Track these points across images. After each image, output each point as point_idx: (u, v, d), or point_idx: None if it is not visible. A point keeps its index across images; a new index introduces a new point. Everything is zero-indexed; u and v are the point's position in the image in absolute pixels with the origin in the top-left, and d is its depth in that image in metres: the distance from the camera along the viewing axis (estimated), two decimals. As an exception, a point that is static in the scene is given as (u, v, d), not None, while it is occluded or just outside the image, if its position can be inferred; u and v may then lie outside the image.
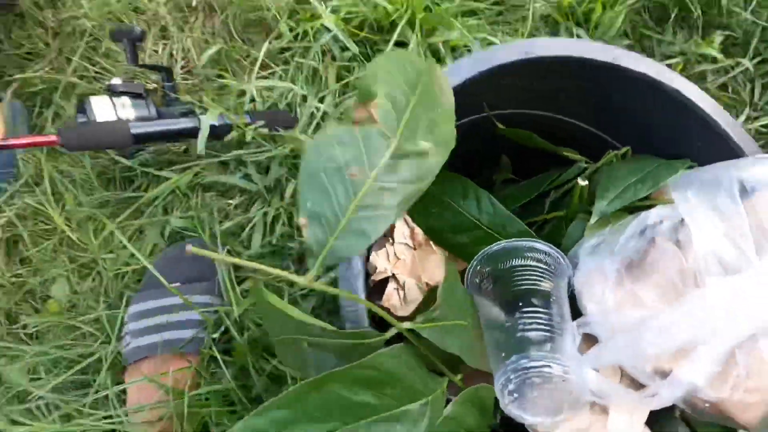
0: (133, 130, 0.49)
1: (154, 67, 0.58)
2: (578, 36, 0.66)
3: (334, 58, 0.64)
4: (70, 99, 0.68)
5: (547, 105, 0.43)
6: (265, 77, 0.63)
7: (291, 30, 0.63)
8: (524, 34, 0.65)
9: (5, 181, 0.68)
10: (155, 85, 0.64)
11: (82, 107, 0.54)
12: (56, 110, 0.67)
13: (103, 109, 0.54)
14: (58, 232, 0.65)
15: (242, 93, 0.62)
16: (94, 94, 0.66)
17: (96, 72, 0.67)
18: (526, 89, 0.39)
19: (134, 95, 0.57)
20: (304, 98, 0.62)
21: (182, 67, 0.65)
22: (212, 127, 0.54)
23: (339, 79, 0.62)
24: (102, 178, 0.63)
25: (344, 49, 0.64)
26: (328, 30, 0.59)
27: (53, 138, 0.46)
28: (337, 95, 0.61)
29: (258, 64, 0.61)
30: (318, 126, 0.59)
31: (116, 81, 0.57)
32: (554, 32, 0.70)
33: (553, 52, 0.33)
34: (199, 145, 0.51)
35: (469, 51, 0.64)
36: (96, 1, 0.64)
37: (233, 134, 0.55)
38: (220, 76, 0.64)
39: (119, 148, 0.53)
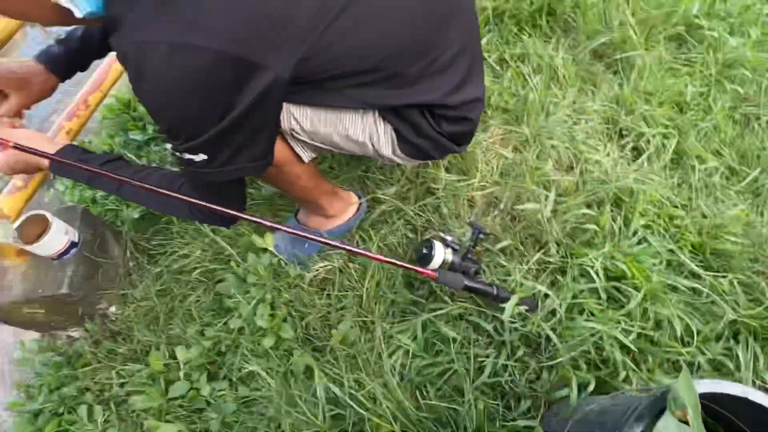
0: (465, 282, 0.84)
1: (474, 241, 0.95)
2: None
3: (574, 279, 0.95)
4: (400, 219, 1.08)
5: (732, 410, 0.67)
6: (528, 270, 0.96)
7: (557, 251, 0.97)
8: (713, 329, 0.90)
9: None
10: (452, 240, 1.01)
11: (429, 245, 0.92)
12: (390, 223, 1.08)
13: (439, 252, 0.91)
14: (357, 291, 1.02)
15: (508, 274, 0.96)
16: (416, 225, 1.05)
17: (426, 217, 1.08)
18: (729, 402, 0.64)
19: (453, 249, 0.94)
20: (546, 296, 0.93)
21: (476, 239, 1.02)
22: (497, 297, 0.87)
23: (574, 296, 0.92)
24: (403, 280, 0.99)
25: (583, 275, 0.95)
26: (585, 271, 0.91)
27: (433, 275, 0.82)
28: (568, 308, 0.91)
29: (528, 264, 0.95)
30: (554, 318, 0.89)
31: (450, 237, 0.94)
32: (735, 335, 0.93)
33: (759, 400, 0.59)
34: (506, 313, 0.84)
35: (669, 322, 0.90)
36: (448, 187, 1.06)
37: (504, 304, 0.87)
38: (498, 255, 0.99)
39: (453, 288, 0.88)
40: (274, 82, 0.56)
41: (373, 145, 0.81)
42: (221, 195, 0.71)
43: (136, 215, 1.31)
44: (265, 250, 1.10)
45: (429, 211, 1.07)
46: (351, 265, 1.05)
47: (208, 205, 0.69)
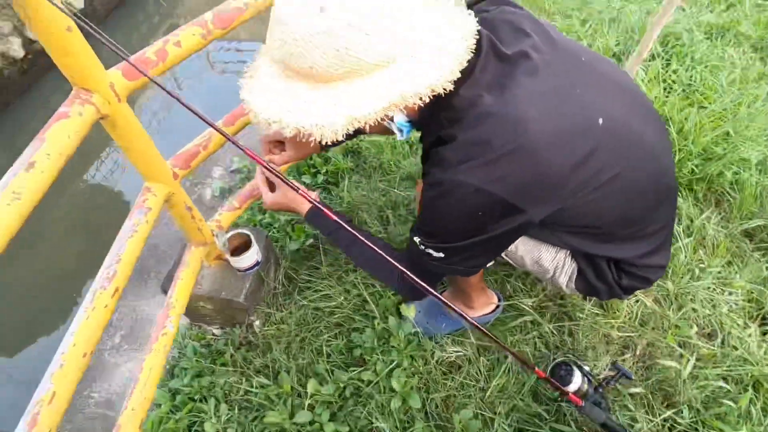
0: (605, 419, 0.91)
1: (614, 380, 1.01)
2: None
3: None
4: (535, 331, 1.18)
5: None
6: (655, 424, 1.00)
7: (688, 415, 1.00)
8: None
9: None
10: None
11: (569, 370, 1.00)
12: (524, 332, 1.18)
13: (577, 379, 0.99)
14: (481, 383, 1.12)
15: (634, 420, 1.01)
16: (549, 342, 1.14)
17: (561, 338, 1.17)
18: None
19: (588, 380, 1.01)
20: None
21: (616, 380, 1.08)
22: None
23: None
24: (530, 390, 1.07)
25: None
26: None
27: (580, 402, 0.90)
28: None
29: (657, 418, 1.00)
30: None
31: (587, 367, 1.02)
32: None
33: None
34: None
35: None
36: (588, 318, 1.15)
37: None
38: (626, 398, 1.04)
39: (589, 419, 0.95)
40: (525, 223, 0.72)
41: (553, 273, 0.94)
42: (429, 277, 0.87)
43: (295, 247, 1.53)
44: (400, 316, 1.24)
45: (564, 333, 1.16)
46: (482, 358, 1.16)
47: (419, 281, 0.84)
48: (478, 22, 0.69)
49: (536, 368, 0.87)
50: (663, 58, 1.79)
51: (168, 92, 0.73)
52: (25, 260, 2.82)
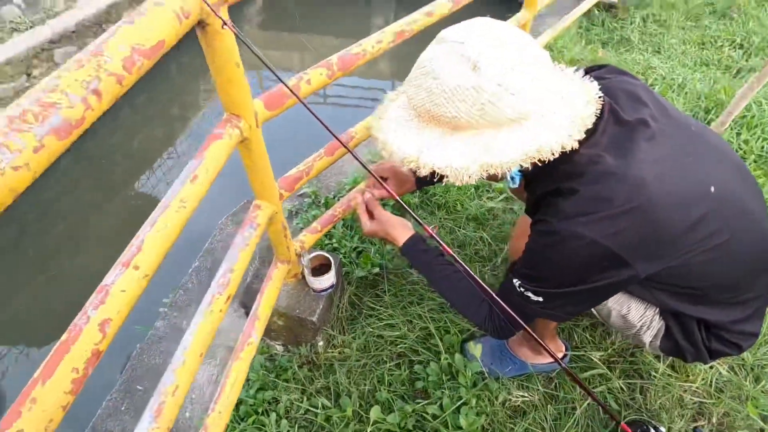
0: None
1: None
2: None
3: None
4: (603, 386, 1.18)
5: None
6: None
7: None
8: None
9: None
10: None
11: (645, 430, 1.00)
12: (591, 385, 1.18)
13: (653, 440, 0.98)
14: (548, 434, 1.11)
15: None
16: (618, 398, 1.13)
17: (631, 395, 1.16)
18: None
19: (663, 441, 1.00)
20: None
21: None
22: None
23: None
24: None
25: None
26: None
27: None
28: None
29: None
30: None
31: (663, 429, 1.01)
32: None
33: None
34: None
35: None
36: (661, 378, 1.14)
37: None
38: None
39: None
40: (630, 277, 0.75)
41: (638, 329, 0.96)
42: (521, 318, 0.90)
43: (361, 274, 1.58)
44: (462, 353, 1.25)
45: (636, 391, 1.15)
46: (549, 406, 1.16)
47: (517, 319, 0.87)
48: (599, 89, 0.76)
49: (623, 423, 0.87)
50: (732, 128, 1.82)
51: (317, 117, 0.82)
52: (68, 256, 2.97)
